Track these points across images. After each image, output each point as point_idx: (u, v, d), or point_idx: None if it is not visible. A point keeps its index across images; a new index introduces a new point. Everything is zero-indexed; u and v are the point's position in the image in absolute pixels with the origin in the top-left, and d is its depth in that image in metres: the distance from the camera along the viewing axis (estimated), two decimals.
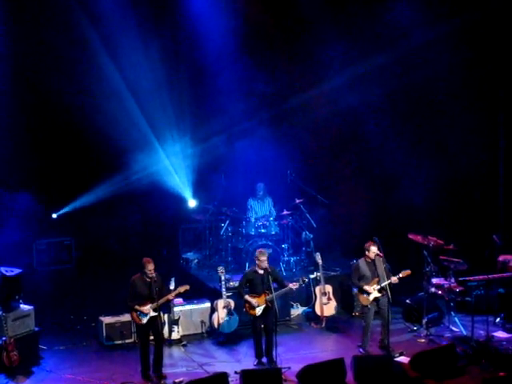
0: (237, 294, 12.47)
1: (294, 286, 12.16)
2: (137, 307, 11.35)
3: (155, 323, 11.50)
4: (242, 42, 15.63)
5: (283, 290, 12.06)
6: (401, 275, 12.18)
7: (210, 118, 16.20)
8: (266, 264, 11.89)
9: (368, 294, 12.18)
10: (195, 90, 16.07)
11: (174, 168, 16.08)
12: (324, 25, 15.61)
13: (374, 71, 15.79)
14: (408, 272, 12.21)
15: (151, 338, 11.61)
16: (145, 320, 11.40)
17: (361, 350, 12.34)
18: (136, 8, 15.01)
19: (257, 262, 11.96)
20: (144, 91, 15.43)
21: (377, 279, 12.16)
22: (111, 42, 14.95)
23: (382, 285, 12.07)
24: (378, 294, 12.19)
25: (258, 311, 11.88)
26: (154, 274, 11.40)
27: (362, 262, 12.34)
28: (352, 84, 15.96)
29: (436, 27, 15.22)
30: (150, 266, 11.37)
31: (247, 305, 11.93)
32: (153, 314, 11.41)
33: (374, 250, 12.19)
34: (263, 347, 11.98)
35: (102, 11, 14.70)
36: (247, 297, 11.92)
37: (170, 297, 11.68)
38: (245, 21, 15.59)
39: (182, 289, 11.77)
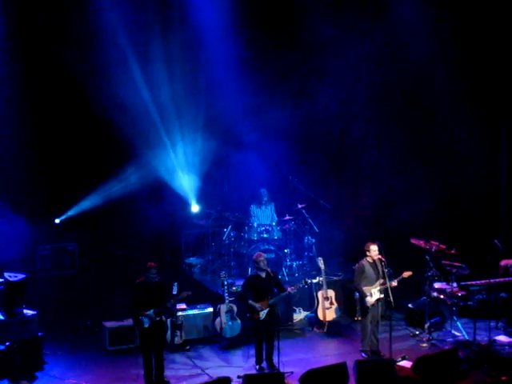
0: (239, 299, 12.51)
1: (291, 289, 12.26)
2: (141, 312, 11.38)
3: (158, 328, 11.54)
4: (248, 54, 15.71)
5: (283, 294, 12.14)
6: (403, 276, 12.23)
7: (210, 124, 16.26)
8: (265, 264, 11.96)
9: (370, 296, 12.23)
10: (198, 95, 16.11)
11: (177, 173, 16.12)
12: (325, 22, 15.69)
13: (375, 76, 15.85)
14: (409, 273, 12.25)
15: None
16: (147, 325, 11.44)
17: (363, 354, 12.37)
18: (157, 17, 15.12)
19: (256, 265, 12.03)
20: (155, 99, 15.50)
21: (380, 281, 12.21)
22: (126, 46, 15.03)
23: (383, 287, 12.10)
24: (381, 296, 12.23)
25: (262, 315, 11.91)
26: (157, 279, 11.45)
27: (366, 263, 12.35)
28: (353, 89, 16.04)
29: (438, 33, 15.32)
30: (154, 271, 11.41)
31: (251, 309, 11.97)
32: (156, 318, 11.45)
33: (374, 248, 12.22)
34: (264, 352, 12.02)
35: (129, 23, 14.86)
36: (251, 301, 11.95)
37: (173, 302, 11.70)
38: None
39: (184, 294, 11.82)
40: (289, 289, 12.22)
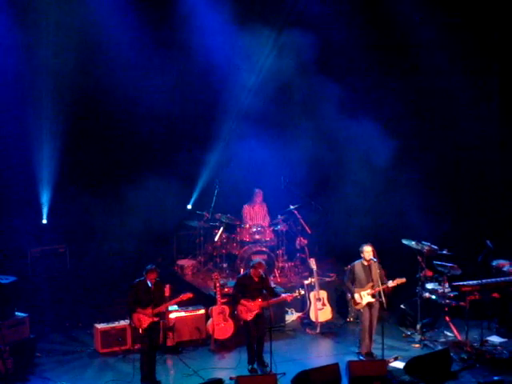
0: (232, 298, 12.50)
1: (288, 296, 12.28)
2: (139, 310, 11.40)
3: (156, 330, 11.58)
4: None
5: (278, 298, 12.14)
6: (395, 283, 12.19)
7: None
8: (260, 274, 11.96)
9: (361, 298, 12.21)
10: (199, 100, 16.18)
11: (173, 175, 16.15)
12: None
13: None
14: (403, 280, 12.21)
15: None
16: (145, 325, 11.43)
17: (361, 357, 12.30)
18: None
19: (252, 270, 11.99)
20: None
21: (371, 284, 12.19)
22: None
23: (376, 290, 12.09)
24: (371, 299, 12.21)
25: (250, 316, 11.91)
26: (155, 281, 11.51)
27: (357, 265, 12.32)
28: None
29: None
30: (153, 276, 11.50)
31: (242, 308, 11.94)
32: (154, 319, 11.48)
33: (367, 249, 12.16)
34: (255, 352, 12.01)
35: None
36: (243, 300, 11.94)
37: (172, 303, 11.75)
38: None
39: (184, 296, 11.86)
40: (284, 295, 12.31)
